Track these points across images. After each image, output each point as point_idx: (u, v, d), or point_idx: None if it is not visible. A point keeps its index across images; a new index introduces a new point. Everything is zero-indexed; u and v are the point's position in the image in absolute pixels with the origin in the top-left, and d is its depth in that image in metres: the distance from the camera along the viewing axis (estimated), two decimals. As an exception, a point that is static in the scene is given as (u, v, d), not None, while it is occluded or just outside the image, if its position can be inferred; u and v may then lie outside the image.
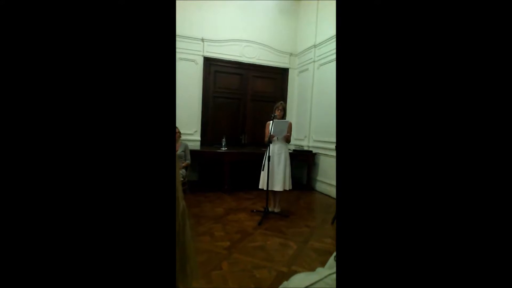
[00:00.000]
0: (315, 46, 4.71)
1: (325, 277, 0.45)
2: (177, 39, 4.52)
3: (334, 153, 3.85)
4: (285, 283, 0.52)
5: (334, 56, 4.20)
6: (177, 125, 3.90)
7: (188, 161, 3.65)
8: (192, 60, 4.74)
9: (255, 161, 3.89)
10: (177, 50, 4.56)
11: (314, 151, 4.63)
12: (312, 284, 0.45)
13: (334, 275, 0.45)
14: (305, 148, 4.81)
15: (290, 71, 5.36)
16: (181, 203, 0.38)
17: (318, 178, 4.59)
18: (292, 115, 5.19)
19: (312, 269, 0.52)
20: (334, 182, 4.08)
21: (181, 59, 4.63)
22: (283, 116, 3.16)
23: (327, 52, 4.39)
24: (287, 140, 3.16)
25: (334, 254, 0.64)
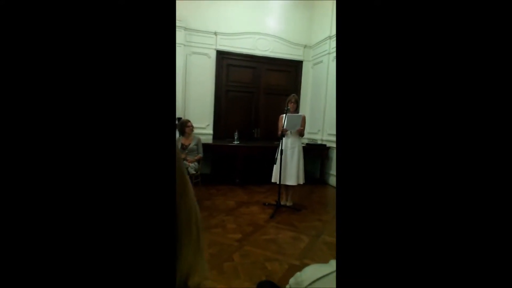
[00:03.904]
0: (330, 37, 4.60)
1: (339, 268, 0.43)
2: (189, 33, 4.54)
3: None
4: (298, 274, 0.51)
5: (350, 48, 4.10)
6: (189, 118, 3.94)
7: (201, 155, 3.68)
8: (205, 54, 4.74)
9: (267, 155, 3.88)
10: (189, 44, 4.57)
11: (328, 145, 4.56)
12: (324, 276, 0.44)
13: None
14: (319, 142, 4.74)
15: (304, 63, 5.27)
16: (192, 196, 0.37)
17: (332, 172, 4.52)
18: (305, 108, 5.12)
19: (324, 263, 0.51)
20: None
21: (194, 53, 4.64)
22: (296, 109, 3.11)
23: (342, 43, 4.28)
24: (301, 134, 3.12)
25: None
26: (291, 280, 0.50)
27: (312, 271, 0.47)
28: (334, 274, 0.45)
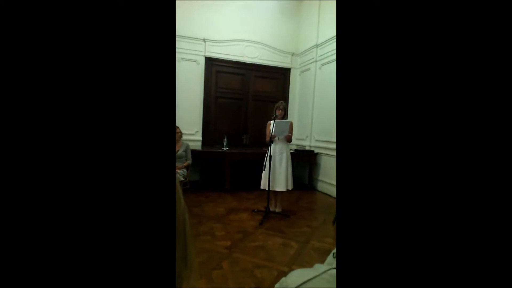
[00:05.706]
0: (317, 46, 4.70)
1: (322, 272, 0.45)
2: (178, 39, 4.54)
3: (335, 153, 3.84)
4: (283, 280, 0.52)
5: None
6: (178, 125, 3.91)
7: (189, 161, 3.65)
8: (194, 60, 4.75)
9: (256, 161, 3.89)
10: (178, 50, 4.57)
11: (316, 151, 4.61)
12: (309, 280, 0.45)
13: (331, 271, 0.44)
14: (307, 148, 4.79)
15: (292, 71, 5.35)
16: (182, 203, 0.38)
17: (320, 178, 4.57)
18: (293, 115, 5.18)
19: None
20: (335, 182, 4.06)
21: (182, 59, 4.64)
22: (284, 116, 3.15)
23: (329, 52, 4.38)
24: (289, 140, 3.16)
25: (333, 251, 0.64)
26: (277, 286, 0.51)
27: (297, 276, 0.48)
28: (319, 277, 0.46)
